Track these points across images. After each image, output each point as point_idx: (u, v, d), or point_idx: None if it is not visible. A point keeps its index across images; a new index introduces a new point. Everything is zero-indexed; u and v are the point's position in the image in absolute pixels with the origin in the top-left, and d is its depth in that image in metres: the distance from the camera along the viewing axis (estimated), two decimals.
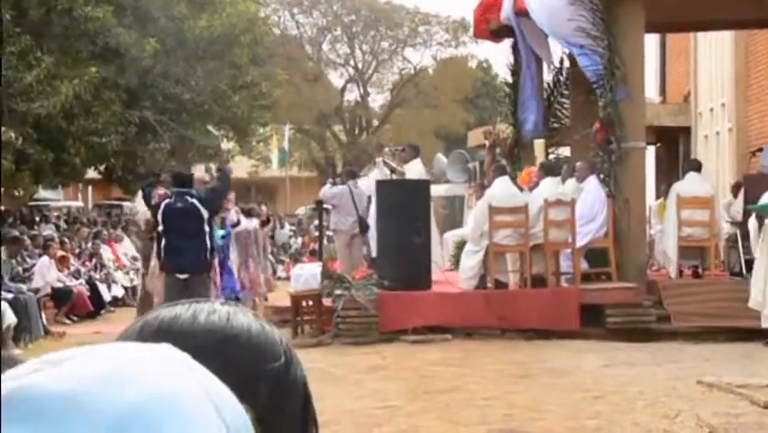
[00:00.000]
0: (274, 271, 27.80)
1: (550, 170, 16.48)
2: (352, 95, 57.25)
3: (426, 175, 19.33)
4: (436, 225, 19.40)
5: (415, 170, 18.51)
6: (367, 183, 19.12)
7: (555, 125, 19.06)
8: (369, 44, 55.22)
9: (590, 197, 15.86)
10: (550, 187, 15.82)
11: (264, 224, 21.83)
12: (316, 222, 26.59)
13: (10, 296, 16.85)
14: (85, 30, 25.15)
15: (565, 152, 19.21)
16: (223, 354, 1.23)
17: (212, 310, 1.28)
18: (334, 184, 19.34)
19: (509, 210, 15.38)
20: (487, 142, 20.10)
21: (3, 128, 21.52)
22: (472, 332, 14.97)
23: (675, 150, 28.86)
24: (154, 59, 27.27)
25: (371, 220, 17.98)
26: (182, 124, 29.66)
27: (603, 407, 10.06)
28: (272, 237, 22.15)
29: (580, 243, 15.56)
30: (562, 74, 18.97)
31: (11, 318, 16.01)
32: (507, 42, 19.34)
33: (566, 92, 18.95)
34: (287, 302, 16.65)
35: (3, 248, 19.02)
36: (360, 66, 55.61)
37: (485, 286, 15.70)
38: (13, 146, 22.61)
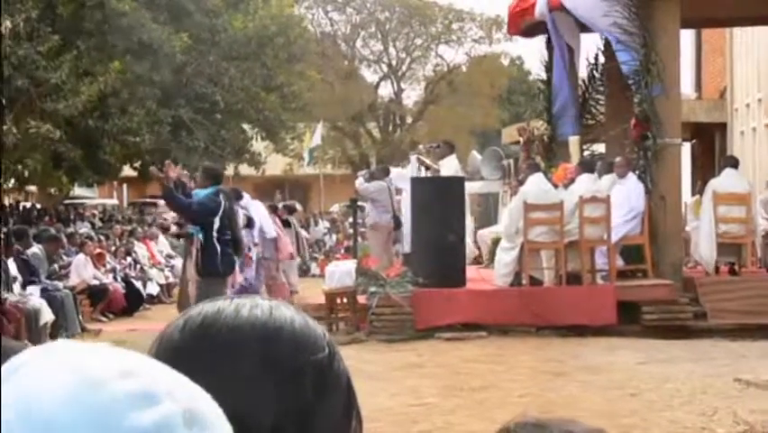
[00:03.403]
0: (307, 270, 27.84)
1: (587, 166, 16.44)
2: (386, 92, 57.25)
3: (461, 172, 19.30)
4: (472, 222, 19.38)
5: (450, 166, 18.48)
6: (396, 175, 19.20)
7: (590, 122, 18.99)
8: (402, 41, 55.17)
9: (633, 193, 15.78)
10: (586, 183, 15.77)
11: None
12: (351, 219, 26.59)
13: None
14: (118, 25, 25.23)
15: (600, 148, 19.12)
16: (267, 347, 1.23)
17: (254, 304, 1.28)
18: (371, 178, 19.37)
19: (544, 207, 15.34)
20: (521, 139, 20.05)
21: (38, 123, 21.62)
22: (507, 329, 14.94)
23: (711, 146, 28.70)
24: (187, 56, 27.34)
25: (405, 217, 18.00)
26: (216, 123, 29.76)
27: (639, 404, 10.02)
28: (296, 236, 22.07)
29: (614, 238, 15.50)
30: (597, 70, 18.90)
31: (48, 316, 16.09)
32: (541, 39, 19.30)
33: (601, 88, 18.88)
34: (321, 299, 16.65)
35: (40, 246, 19.13)
36: (393, 63, 55.58)
37: (520, 283, 15.67)
38: (47, 145, 22.72)
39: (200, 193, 12.84)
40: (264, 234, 19.19)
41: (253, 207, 19.37)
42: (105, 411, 0.92)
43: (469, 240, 18.35)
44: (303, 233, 26.63)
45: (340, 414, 1.27)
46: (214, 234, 12.61)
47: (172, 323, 1.29)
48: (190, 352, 1.24)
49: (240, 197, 17.82)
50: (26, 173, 26.12)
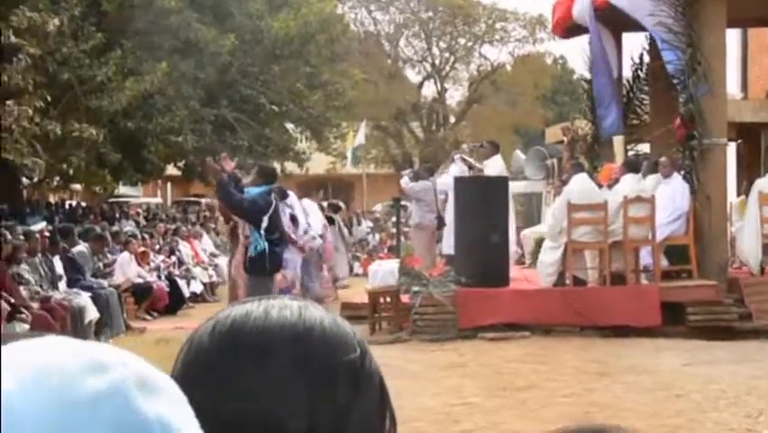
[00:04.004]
0: (350, 269, 27.86)
1: (632, 166, 16.36)
2: (430, 91, 57.22)
3: (506, 172, 19.27)
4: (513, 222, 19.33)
5: (495, 166, 18.45)
6: (443, 180, 19.14)
7: (635, 122, 18.89)
8: (446, 41, 55.13)
9: (678, 193, 15.68)
10: (630, 183, 15.69)
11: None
12: (394, 218, 26.61)
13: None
14: (164, 25, 25.36)
15: (644, 148, 19.02)
16: (298, 349, 1.22)
17: (283, 306, 1.27)
18: (415, 177, 19.37)
19: (588, 207, 15.27)
20: (565, 139, 19.98)
21: (82, 126, 21.77)
22: (551, 329, 14.89)
23: (757, 146, 28.42)
24: (232, 57, 27.46)
25: (448, 217, 17.98)
26: (259, 123, 29.86)
27: (685, 405, 9.96)
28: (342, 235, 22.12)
29: (659, 238, 15.41)
30: (641, 70, 18.80)
31: (93, 314, 16.19)
32: (585, 38, 19.21)
33: (646, 88, 18.78)
34: (364, 299, 16.66)
35: (86, 244, 19.25)
36: (437, 62, 55.54)
37: (564, 283, 15.61)
38: (91, 144, 22.86)
39: (252, 191, 12.92)
40: (312, 230, 19.23)
41: (298, 204, 19.41)
42: (58, 383, 0.93)
43: (512, 240, 18.31)
44: (346, 232, 26.67)
45: (373, 414, 1.26)
46: (263, 232, 12.69)
47: (202, 326, 1.29)
48: (220, 355, 1.23)
49: (285, 195, 17.87)
50: (71, 171, 26.30)
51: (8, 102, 19.07)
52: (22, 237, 16.11)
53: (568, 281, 15.55)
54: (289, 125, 33.32)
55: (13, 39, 18.71)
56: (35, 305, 14.63)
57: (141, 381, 0.96)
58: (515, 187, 21.69)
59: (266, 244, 12.68)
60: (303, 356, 1.22)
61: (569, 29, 19.13)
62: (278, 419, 1.18)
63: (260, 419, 1.18)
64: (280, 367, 1.20)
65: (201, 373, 1.23)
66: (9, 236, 15.27)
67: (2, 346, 0.98)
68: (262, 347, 1.22)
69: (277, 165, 31.56)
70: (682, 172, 15.99)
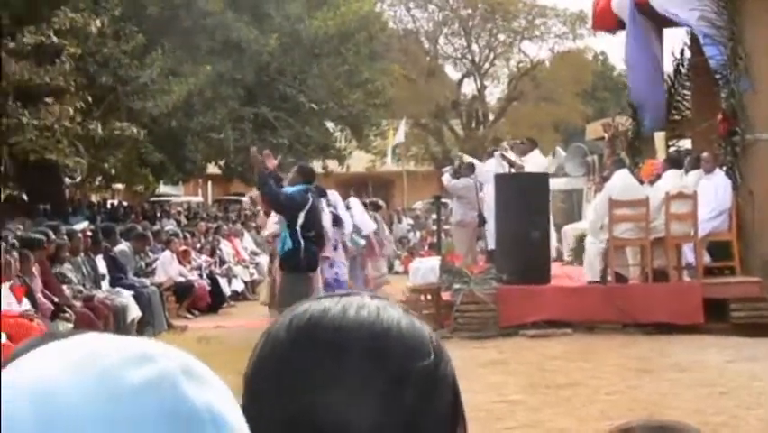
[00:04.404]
0: (391, 266, 27.87)
1: (674, 162, 16.27)
2: (469, 89, 57.15)
3: (546, 167, 19.22)
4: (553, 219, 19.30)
5: (535, 161, 18.41)
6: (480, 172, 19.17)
7: (676, 117, 18.78)
8: (485, 38, 55.03)
9: (720, 189, 15.58)
10: (672, 179, 15.60)
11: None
12: (434, 216, 26.59)
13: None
14: (204, 25, 25.46)
15: (686, 144, 18.91)
16: (373, 348, 1.22)
17: (362, 304, 1.27)
18: (456, 175, 19.36)
19: (629, 203, 15.20)
20: (606, 135, 19.89)
21: (123, 125, 21.89)
22: (593, 326, 14.83)
23: None
24: (271, 56, 27.54)
25: (488, 213, 17.95)
26: (299, 121, 29.93)
27: (728, 402, 9.89)
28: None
29: (701, 234, 15.32)
30: (683, 65, 18.69)
31: (135, 312, 16.28)
32: (623, 34, 19.12)
33: (687, 83, 18.66)
34: (405, 296, 16.65)
35: (128, 244, 19.36)
36: (476, 59, 55.45)
37: (605, 280, 15.55)
38: (133, 143, 22.99)
39: (289, 189, 13.02)
40: (360, 230, 19.26)
41: (341, 204, 19.44)
42: (105, 373, 0.94)
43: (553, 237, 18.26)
44: (387, 230, 26.69)
45: (445, 418, 1.25)
46: (298, 229, 12.77)
47: (278, 320, 1.29)
48: (295, 349, 1.24)
49: (323, 194, 17.89)
50: (113, 171, 26.45)
51: (50, 102, 19.22)
52: (65, 237, 16.22)
53: (610, 278, 15.48)
54: (329, 124, 33.39)
55: (55, 40, 18.85)
56: (78, 304, 14.73)
57: (186, 370, 0.97)
58: (555, 183, 21.62)
59: (302, 241, 12.78)
60: (377, 356, 1.21)
61: (610, 23, 19.02)
62: (347, 416, 1.18)
63: (330, 416, 1.18)
64: (354, 366, 1.20)
65: (276, 365, 1.23)
66: (53, 236, 15.36)
67: (48, 343, 0.99)
68: (338, 344, 1.22)
69: (317, 163, 31.66)
70: (724, 168, 15.88)
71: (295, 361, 1.22)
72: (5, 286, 12.36)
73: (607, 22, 18.96)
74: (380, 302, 1.29)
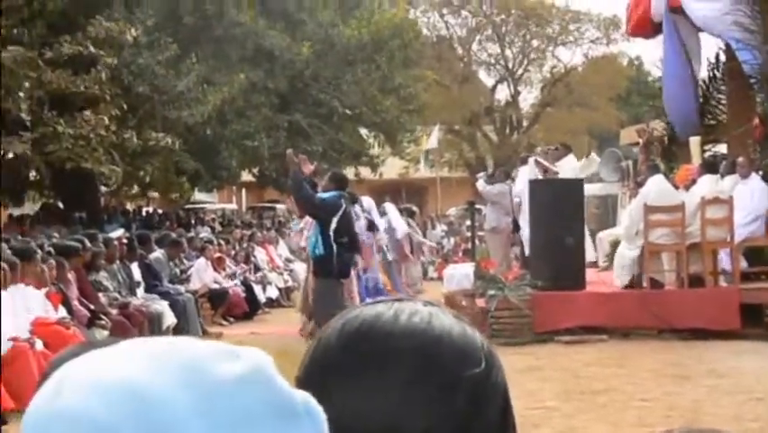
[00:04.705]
0: (425, 273, 27.84)
1: (710, 167, 16.18)
2: (503, 94, 57.09)
3: (579, 170, 19.17)
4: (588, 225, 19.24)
5: (569, 166, 18.36)
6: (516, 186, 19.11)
7: (711, 122, 18.69)
8: (519, 43, 54.97)
9: (756, 193, 15.49)
10: (708, 184, 15.53)
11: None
12: (468, 222, 26.54)
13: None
14: (236, 35, 25.55)
15: (722, 148, 18.81)
16: (423, 356, 1.22)
17: (414, 311, 1.27)
18: (490, 179, 19.33)
19: (665, 209, 15.13)
20: (641, 140, 19.81)
21: (158, 135, 21.99)
22: (628, 332, 14.77)
23: None
24: (305, 64, 27.60)
25: (523, 219, 17.92)
26: (333, 128, 29.97)
27: (766, 409, 9.83)
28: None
29: (737, 239, 15.23)
30: (717, 70, 18.60)
31: (170, 319, 16.33)
32: (660, 39, 19.04)
33: (723, 88, 18.57)
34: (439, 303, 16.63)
35: (163, 251, 19.42)
36: (510, 65, 55.39)
37: (640, 285, 15.48)
38: (168, 152, 23.09)
39: (322, 195, 13.06)
40: (395, 233, 19.27)
41: (375, 210, 19.48)
42: (194, 370, 0.96)
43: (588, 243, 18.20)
44: (421, 236, 26.68)
45: (495, 426, 1.25)
46: (331, 234, 12.80)
47: (331, 324, 1.30)
48: (346, 356, 1.24)
49: (356, 201, 17.92)
50: (147, 179, 26.56)
51: (85, 111, 19.32)
52: (101, 245, 16.29)
53: (645, 284, 15.41)
54: (363, 130, 33.42)
55: (92, 50, 18.96)
56: (114, 311, 14.80)
57: (272, 366, 1.00)
58: (590, 189, 21.55)
59: (334, 246, 12.82)
60: (427, 364, 1.22)
61: (647, 29, 18.94)
62: (396, 421, 1.18)
63: (379, 421, 1.18)
64: (403, 373, 1.21)
65: (326, 370, 1.24)
66: (89, 244, 15.44)
67: (134, 342, 1.01)
68: (388, 351, 1.22)
69: (350, 170, 31.69)
70: (761, 172, 15.78)
71: (344, 366, 1.23)
72: (41, 292, 12.44)
73: (644, 27, 18.88)
74: (433, 309, 1.29)
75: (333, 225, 12.87)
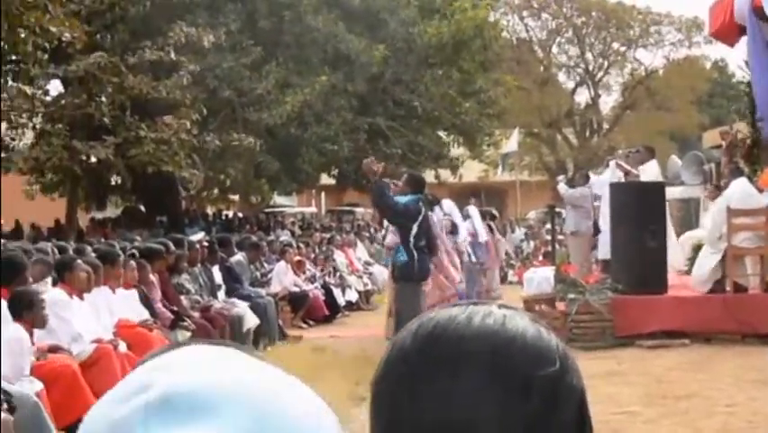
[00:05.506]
0: (504, 276, 27.74)
1: None
2: (583, 98, 56.78)
3: (661, 177, 19.01)
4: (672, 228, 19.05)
5: (650, 172, 18.21)
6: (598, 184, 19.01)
7: None
8: (599, 46, 54.64)
9: None
10: None
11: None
12: (548, 225, 26.44)
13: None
14: (314, 38, 25.66)
15: None
16: (496, 358, 1.22)
17: (487, 313, 1.27)
18: (570, 184, 19.24)
19: (748, 212, 14.95)
20: (723, 143, 19.59)
21: (240, 135, 22.15)
22: (711, 337, 14.60)
23: None
24: (384, 66, 27.63)
25: (604, 223, 17.81)
26: (412, 131, 29.98)
27: None
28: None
29: None
30: None
31: (252, 322, 16.42)
32: (744, 40, 18.79)
33: None
34: (519, 306, 16.56)
35: (243, 254, 19.55)
36: (590, 68, 55.07)
37: (723, 289, 15.29)
38: (250, 154, 23.25)
39: (401, 199, 13.05)
40: (477, 237, 19.24)
41: (457, 212, 19.45)
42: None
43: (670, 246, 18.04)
44: (502, 239, 26.64)
45: (569, 429, 1.24)
46: (411, 239, 12.81)
47: (407, 327, 1.30)
48: (420, 358, 1.25)
49: (435, 203, 17.91)
50: (228, 182, 26.77)
51: (167, 116, 19.53)
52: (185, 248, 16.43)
53: (728, 288, 15.22)
54: (442, 133, 33.41)
55: (173, 56, 19.14)
56: (196, 314, 14.91)
57: None
58: (671, 192, 21.36)
59: (415, 252, 12.83)
60: (500, 367, 1.22)
61: (732, 35, 18.69)
62: (468, 426, 1.18)
63: (450, 425, 1.18)
64: (476, 375, 1.21)
65: (401, 373, 1.25)
66: (172, 247, 15.59)
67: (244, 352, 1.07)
68: (461, 354, 1.22)
69: (430, 172, 31.68)
70: None
71: (418, 368, 1.23)
72: (126, 294, 12.59)
73: (728, 34, 18.64)
74: (508, 311, 1.29)
75: (414, 230, 12.89)
